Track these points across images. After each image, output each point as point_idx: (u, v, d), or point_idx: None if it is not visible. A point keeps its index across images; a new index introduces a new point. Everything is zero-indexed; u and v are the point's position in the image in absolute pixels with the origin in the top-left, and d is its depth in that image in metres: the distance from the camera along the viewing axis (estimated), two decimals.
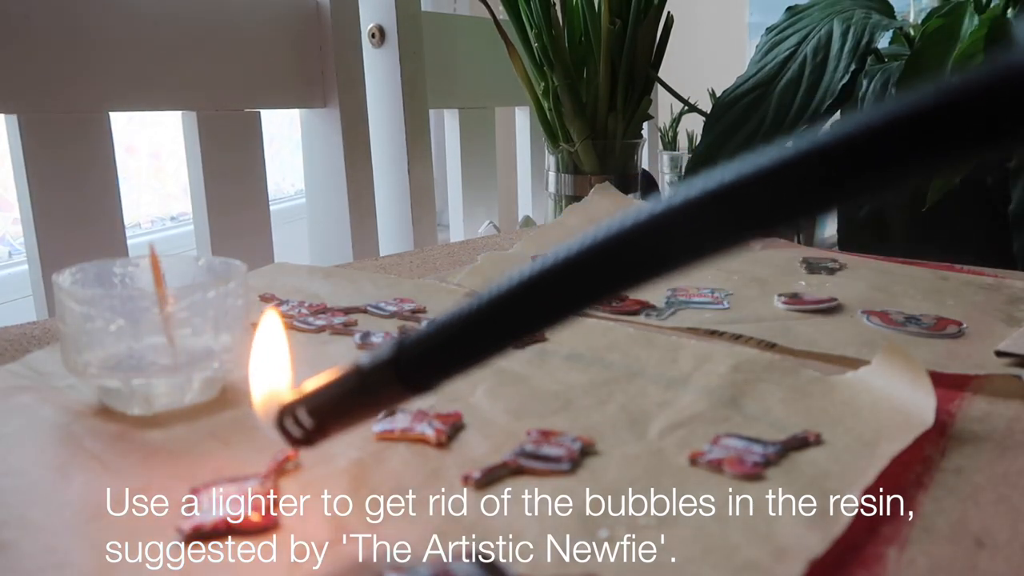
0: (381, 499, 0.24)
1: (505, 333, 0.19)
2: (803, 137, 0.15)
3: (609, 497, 0.24)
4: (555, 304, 0.18)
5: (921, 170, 0.14)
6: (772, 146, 0.15)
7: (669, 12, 0.78)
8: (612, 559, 0.21)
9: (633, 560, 0.20)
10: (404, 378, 0.20)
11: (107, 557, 0.21)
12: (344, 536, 0.22)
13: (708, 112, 0.80)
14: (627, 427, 0.28)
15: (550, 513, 0.23)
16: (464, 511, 0.23)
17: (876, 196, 0.15)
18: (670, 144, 1.59)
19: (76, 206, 0.64)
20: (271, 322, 0.25)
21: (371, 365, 0.20)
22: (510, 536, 0.22)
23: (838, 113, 0.81)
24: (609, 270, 0.17)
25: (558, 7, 0.75)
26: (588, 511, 0.23)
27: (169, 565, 0.21)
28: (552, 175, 0.79)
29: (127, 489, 0.24)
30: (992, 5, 0.72)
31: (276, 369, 0.24)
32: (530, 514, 0.23)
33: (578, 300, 0.18)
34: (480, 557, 0.20)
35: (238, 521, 0.22)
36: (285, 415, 0.21)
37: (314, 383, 0.21)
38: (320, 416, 0.21)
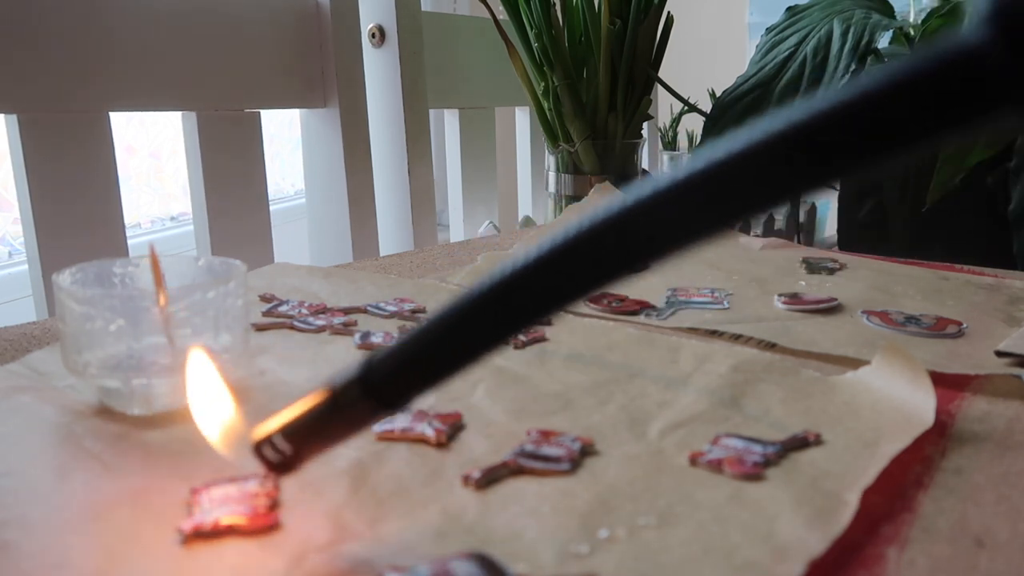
0: (381, 499, 0.24)
1: (471, 345, 0.19)
2: (763, 123, 0.14)
3: (609, 497, 0.24)
4: (519, 313, 0.18)
5: (873, 159, 0.14)
6: (744, 130, 0.15)
7: (669, 12, 0.78)
8: (612, 559, 0.21)
9: (633, 560, 0.20)
10: (373, 395, 0.20)
11: (107, 557, 0.21)
12: (344, 536, 0.22)
13: (708, 112, 0.80)
14: (627, 427, 0.28)
15: (550, 513, 0.23)
16: (464, 511, 0.23)
17: (829, 183, 0.15)
18: (670, 144, 1.58)
19: (76, 206, 0.64)
20: (199, 361, 0.25)
21: (340, 384, 0.20)
22: (510, 536, 0.22)
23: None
24: (573, 270, 0.17)
25: (558, 7, 0.75)
26: (588, 511, 0.23)
27: (169, 565, 0.21)
28: (552, 175, 0.79)
29: (127, 489, 0.24)
30: None
31: (220, 402, 0.24)
32: (530, 514, 0.23)
33: (541, 306, 0.18)
34: (480, 557, 0.20)
35: (238, 521, 0.22)
36: (263, 443, 0.21)
37: (289, 410, 0.21)
38: (297, 440, 0.21)
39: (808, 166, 0.14)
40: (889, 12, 0.82)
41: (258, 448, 0.21)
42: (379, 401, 0.20)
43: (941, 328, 0.40)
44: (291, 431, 0.21)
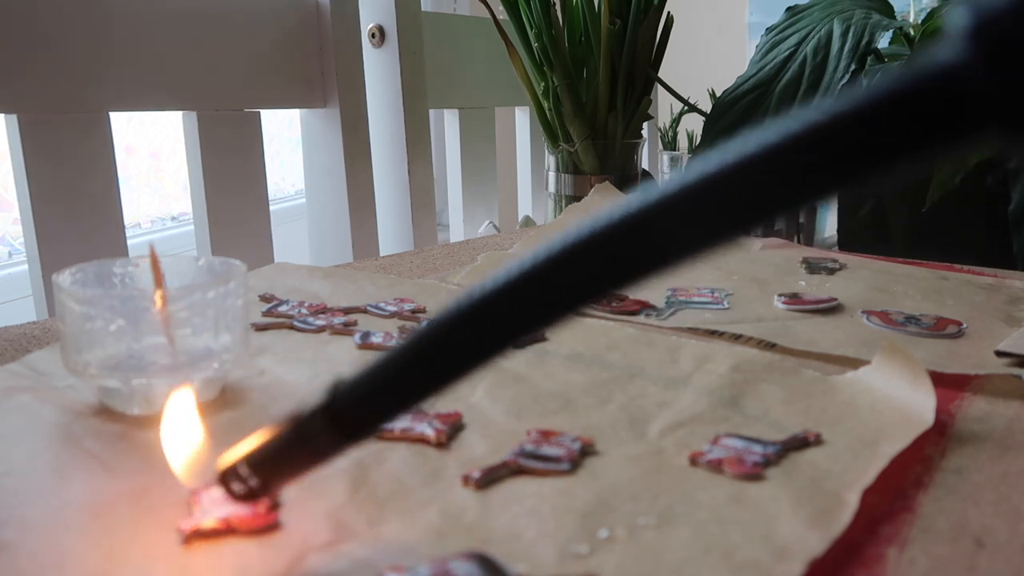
0: (381, 499, 0.24)
1: (436, 372, 0.18)
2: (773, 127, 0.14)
3: (609, 497, 0.24)
4: (488, 337, 0.17)
5: (851, 180, 0.13)
6: (744, 137, 0.15)
7: (669, 12, 0.78)
8: (612, 559, 0.21)
9: (633, 560, 0.20)
10: (339, 424, 0.19)
11: (107, 557, 0.21)
12: (344, 536, 0.22)
13: (708, 112, 0.80)
14: (627, 427, 0.28)
15: (550, 513, 0.23)
16: (464, 511, 0.23)
17: (816, 199, 0.14)
18: (670, 144, 1.58)
19: (76, 206, 0.64)
20: (180, 401, 0.24)
21: (305, 413, 0.20)
22: (510, 536, 0.22)
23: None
24: (559, 290, 0.16)
25: (558, 7, 0.75)
26: (588, 511, 0.23)
27: (169, 565, 0.21)
28: (552, 175, 0.79)
29: (127, 489, 0.24)
30: None
31: (191, 436, 0.24)
32: (530, 514, 0.23)
33: (516, 328, 0.17)
34: (480, 557, 0.20)
35: (238, 521, 0.22)
36: (228, 474, 0.21)
37: (254, 439, 0.21)
38: (262, 471, 0.20)
39: (781, 186, 0.14)
40: (889, 12, 0.82)
41: (223, 478, 0.21)
42: (343, 432, 0.19)
43: (941, 328, 0.40)
44: (255, 461, 0.20)
